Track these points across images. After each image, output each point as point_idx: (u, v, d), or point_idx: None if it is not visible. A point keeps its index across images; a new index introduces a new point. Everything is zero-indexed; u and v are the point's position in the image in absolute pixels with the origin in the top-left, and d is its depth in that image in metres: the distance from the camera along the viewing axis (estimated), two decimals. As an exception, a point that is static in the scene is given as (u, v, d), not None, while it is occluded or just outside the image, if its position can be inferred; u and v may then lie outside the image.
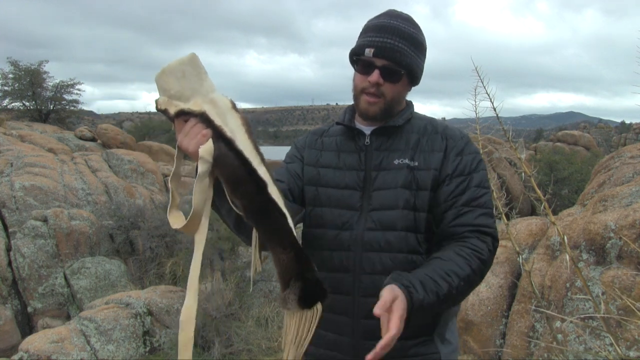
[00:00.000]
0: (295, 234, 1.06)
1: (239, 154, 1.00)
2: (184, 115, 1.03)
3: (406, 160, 1.34)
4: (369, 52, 1.33)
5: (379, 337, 1.32)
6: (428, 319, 1.28)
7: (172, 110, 1.03)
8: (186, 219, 1.06)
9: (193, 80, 1.03)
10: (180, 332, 1.03)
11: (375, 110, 1.36)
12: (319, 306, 1.06)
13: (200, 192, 1.04)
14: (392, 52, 1.32)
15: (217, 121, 1.01)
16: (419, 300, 1.10)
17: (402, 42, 1.33)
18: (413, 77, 1.39)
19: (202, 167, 1.01)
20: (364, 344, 1.32)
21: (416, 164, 1.34)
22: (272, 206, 1.03)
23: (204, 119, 1.01)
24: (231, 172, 1.02)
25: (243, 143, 1.02)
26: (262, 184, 1.02)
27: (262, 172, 1.03)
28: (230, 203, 1.08)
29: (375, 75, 1.32)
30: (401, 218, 1.31)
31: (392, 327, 1.04)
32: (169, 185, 1.14)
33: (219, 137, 1.01)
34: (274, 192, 1.04)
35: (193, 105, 1.02)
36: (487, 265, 1.27)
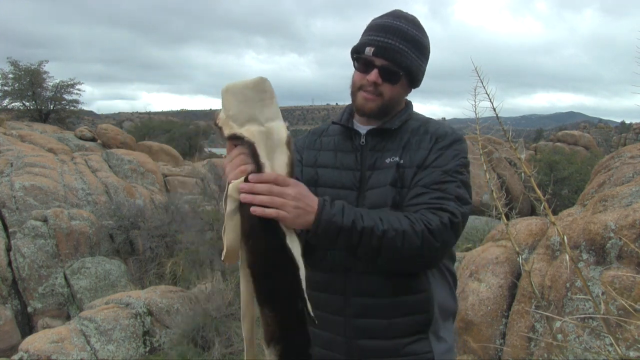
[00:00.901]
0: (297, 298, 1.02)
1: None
2: (235, 139, 1.01)
3: (396, 159, 1.34)
4: (369, 50, 1.32)
5: (371, 336, 1.33)
6: (338, 245, 1.17)
7: (226, 132, 1.01)
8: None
9: (253, 105, 1.00)
10: None
11: (371, 107, 1.36)
12: None
13: (232, 230, 1.02)
14: (392, 52, 1.31)
15: (263, 157, 0.99)
16: (328, 214, 1.12)
17: (403, 44, 1.33)
18: (413, 79, 1.38)
19: (230, 205, 1.01)
20: (357, 342, 1.33)
21: (402, 161, 1.33)
22: (274, 269, 1.01)
23: (252, 149, 0.99)
24: (248, 220, 1.01)
25: None
26: (281, 234, 1.00)
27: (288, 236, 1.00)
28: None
29: (373, 75, 1.32)
30: None
31: (261, 188, 1.04)
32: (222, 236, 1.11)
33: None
34: (293, 241, 1.01)
35: (246, 132, 0.99)
36: (436, 236, 1.18)
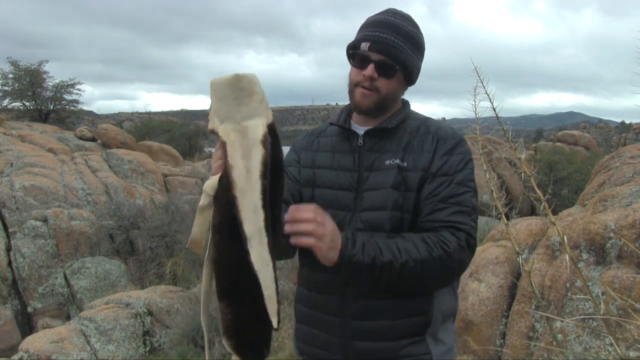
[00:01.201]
0: (274, 284, 1.00)
1: (234, 200, 0.97)
2: (216, 134, 1.01)
3: (397, 161, 1.34)
4: (364, 46, 1.33)
5: (369, 338, 1.33)
6: (362, 286, 1.27)
7: (209, 126, 1.02)
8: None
9: (229, 104, 0.99)
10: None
11: (368, 103, 1.36)
12: None
13: (201, 225, 1.04)
14: (387, 47, 1.32)
15: (233, 157, 0.97)
16: (350, 253, 1.16)
17: (398, 39, 1.33)
18: (408, 74, 1.38)
19: (202, 200, 1.02)
20: (353, 344, 1.33)
21: (405, 164, 1.33)
22: (236, 269, 1.00)
23: (223, 149, 0.99)
24: (217, 216, 1.01)
25: (253, 185, 0.97)
26: (239, 246, 0.97)
27: (259, 221, 0.97)
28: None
29: (369, 70, 1.32)
30: (389, 219, 1.30)
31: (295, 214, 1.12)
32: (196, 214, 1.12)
33: (226, 174, 0.98)
34: (261, 243, 0.98)
35: (221, 131, 0.99)
36: (454, 259, 1.21)
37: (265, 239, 0.98)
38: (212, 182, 1.01)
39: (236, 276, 1.01)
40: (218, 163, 1.01)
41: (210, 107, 1.02)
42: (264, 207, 0.98)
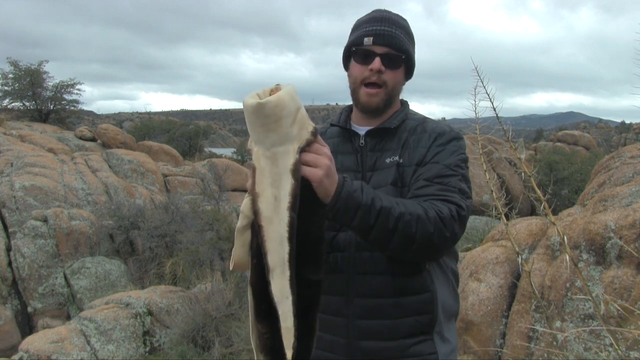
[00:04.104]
0: (293, 318, 0.98)
1: (260, 229, 0.95)
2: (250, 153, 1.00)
3: (396, 158, 1.35)
4: (368, 40, 1.34)
5: (374, 338, 1.32)
6: (354, 222, 1.13)
7: (248, 145, 1.00)
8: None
9: (256, 130, 0.95)
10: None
11: (377, 102, 1.36)
12: None
13: (241, 246, 1.02)
14: (391, 38, 1.34)
15: (260, 185, 0.95)
16: (350, 187, 1.09)
17: (398, 30, 1.36)
18: (409, 66, 1.40)
19: (241, 222, 1.00)
20: (358, 344, 1.33)
21: (402, 160, 1.34)
22: (267, 291, 0.98)
23: (252, 174, 0.97)
24: (254, 240, 1.00)
25: (281, 215, 0.94)
26: (266, 267, 0.96)
27: (284, 252, 0.94)
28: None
29: (377, 63, 1.32)
30: None
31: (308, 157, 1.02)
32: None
33: (252, 202, 0.96)
34: (283, 275, 0.96)
35: (254, 155, 0.96)
36: (447, 225, 1.18)
37: (287, 272, 0.96)
38: (249, 203, 0.98)
39: (270, 300, 0.99)
40: (249, 183, 0.99)
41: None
42: (290, 239, 0.95)
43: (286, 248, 0.94)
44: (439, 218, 1.17)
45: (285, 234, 0.94)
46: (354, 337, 1.33)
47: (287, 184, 0.95)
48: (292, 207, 0.94)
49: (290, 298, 0.96)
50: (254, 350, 1.08)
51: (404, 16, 1.43)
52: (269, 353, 1.02)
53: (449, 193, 1.24)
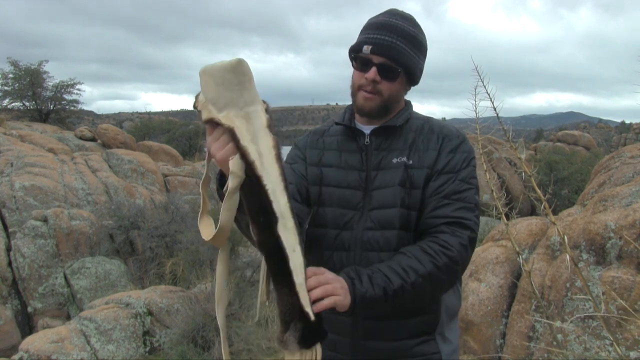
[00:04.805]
0: (303, 273, 0.99)
1: (258, 180, 0.95)
2: (213, 123, 0.97)
3: (404, 159, 1.34)
4: (366, 49, 1.32)
5: (379, 338, 1.33)
6: (386, 310, 1.20)
7: (204, 116, 0.97)
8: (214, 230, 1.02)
9: (232, 89, 0.95)
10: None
11: (371, 106, 1.36)
12: (318, 347, 1.04)
13: (229, 209, 0.98)
14: (389, 49, 1.31)
15: (244, 141, 0.95)
16: (361, 292, 1.12)
17: (400, 41, 1.32)
18: (411, 76, 1.38)
19: (232, 183, 0.96)
20: (363, 344, 1.33)
21: (411, 162, 1.33)
22: (278, 246, 0.97)
23: (232, 135, 0.95)
24: (257, 198, 0.97)
25: (268, 168, 0.95)
26: (272, 219, 0.95)
27: (281, 204, 0.96)
28: (249, 228, 1.03)
29: (372, 73, 1.32)
30: (399, 217, 1.30)
31: (311, 282, 1.05)
32: (200, 190, 1.09)
33: (242, 158, 0.95)
34: (286, 228, 0.96)
35: (224, 118, 0.95)
36: (458, 262, 1.23)
37: (289, 223, 0.97)
38: (239, 162, 0.95)
39: (275, 258, 0.99)
40: (226, 150, 0.96)
41: (202, 97, 0.98)
42: (285, 189, 0.96)
43: (282, 199, 0.96)
44: (450, 261, 1.21)
45: (279, 185, 0.96)
46: (359, 337, 1.33)
47: (266, 140, 0.96)
48: (279, 158, 0.97)
49: (297, 251, 0.97)
50: (222, 332, 1.06)
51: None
52: (299, 318, 1.00)
53: (465, 213, 1.27)
